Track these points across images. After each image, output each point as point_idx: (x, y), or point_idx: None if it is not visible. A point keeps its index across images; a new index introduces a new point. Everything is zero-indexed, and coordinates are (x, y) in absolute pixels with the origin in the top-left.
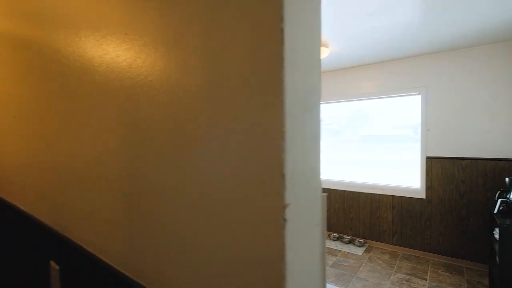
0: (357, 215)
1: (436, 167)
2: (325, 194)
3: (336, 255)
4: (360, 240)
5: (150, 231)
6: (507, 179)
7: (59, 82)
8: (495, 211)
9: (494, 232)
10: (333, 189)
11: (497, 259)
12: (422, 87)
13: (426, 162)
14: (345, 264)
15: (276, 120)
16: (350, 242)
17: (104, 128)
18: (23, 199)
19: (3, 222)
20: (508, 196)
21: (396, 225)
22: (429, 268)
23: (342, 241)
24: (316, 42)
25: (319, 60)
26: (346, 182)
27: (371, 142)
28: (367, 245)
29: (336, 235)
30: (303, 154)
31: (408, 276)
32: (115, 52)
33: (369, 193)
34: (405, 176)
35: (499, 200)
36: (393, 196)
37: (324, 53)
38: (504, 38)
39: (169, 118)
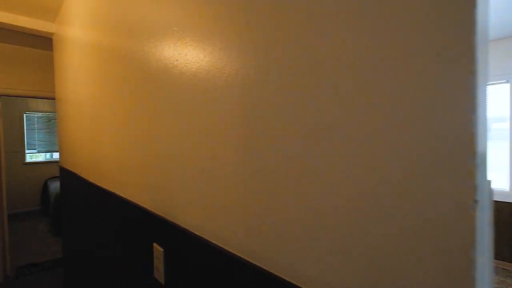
0: None
1: None
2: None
3: None
4: None
5: (279, 218)
6: None
7: (170, 80)
8: None
9: None
10: None
11: None
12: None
13: None
14: None
15: (469, 93)
16: None
17: (221, 121)
18: (126, 189)
19: (104, 207)
20: None
21: None
22: None
23: None
24: (486, 12)
25: (487, 32)
26: None
27: None
28: None
29: None
30: (483, 132)
31: None
32: (228, 48)
33: None
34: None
35: None
36: None
37: None
38: None
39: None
